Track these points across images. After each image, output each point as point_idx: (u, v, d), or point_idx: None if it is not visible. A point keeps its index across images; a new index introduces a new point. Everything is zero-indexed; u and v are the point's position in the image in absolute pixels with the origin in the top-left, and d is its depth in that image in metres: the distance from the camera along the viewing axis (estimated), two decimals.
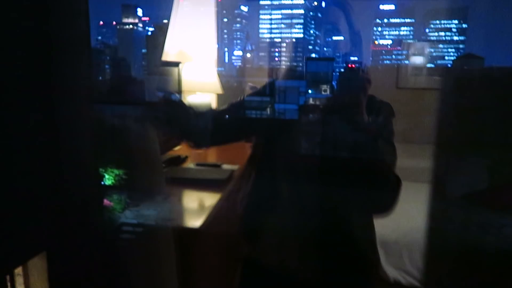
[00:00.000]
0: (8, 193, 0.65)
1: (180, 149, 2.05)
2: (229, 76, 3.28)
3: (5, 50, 0.62)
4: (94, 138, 0.86)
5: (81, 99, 0.83)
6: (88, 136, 0.87)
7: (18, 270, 0.76)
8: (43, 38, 0.70)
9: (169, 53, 2.37)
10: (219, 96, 2.45)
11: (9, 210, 0.61)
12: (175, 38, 2.55)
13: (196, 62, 2.37)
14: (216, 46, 2.73)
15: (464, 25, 5.87)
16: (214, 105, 2.42)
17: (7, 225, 0.59)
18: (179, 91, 2.78)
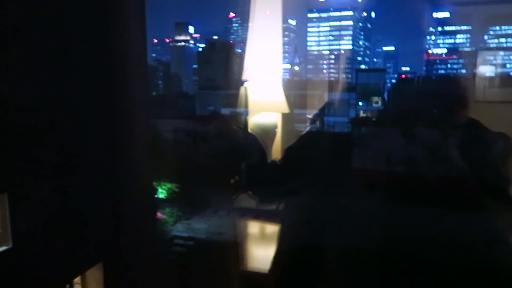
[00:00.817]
0: (68, 207, 0.69)
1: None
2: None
3: (74, 70, 0.68)
4: (149, 152, 0.91)
5: (138, 115, 0.88)
6: (144, 150, 0.93)
7: (77, 280, 0.81)
8: (105, 60, 0.76)
9: (245, 72, 2.51)
10: (284, 115, 2.50)
11: (69, 223, 0.65)
12: (249, 57, 2.70)
13: (263, 81, 2.46)
14: (282, 66, 2.82)
15: None
16: (279, 124, 2.48)
17: (67, 237, 0.63)
18: (245, 109, 2.86)
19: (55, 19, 2.37)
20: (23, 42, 2.32)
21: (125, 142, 2.36)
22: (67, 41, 2.35)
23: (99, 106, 2.30)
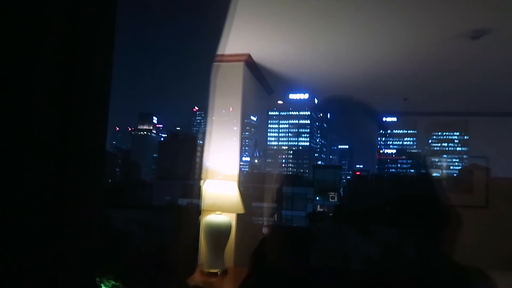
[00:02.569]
0: None
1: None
2: (239, 181, 3.25)
3: (30, 152, 0.62)
4: (97, 245, 0.82)
5: (90, 204, 0.80)
6: (91, 243, 0.83)
7: None
8: (62, 142, 0.70)
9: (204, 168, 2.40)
10: (238, 216, 2.36)
11: None
12: (208, 153, 2.61)
13: (219, 179, 2.37)
14: (239, 165, 2.71)
15: (466, 137, 5.84)
16: (233, 226, 2.33)
17: None
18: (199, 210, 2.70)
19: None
20: None
21: (71, 235, 2.17)
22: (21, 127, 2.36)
23: (47, 193, 2.21)
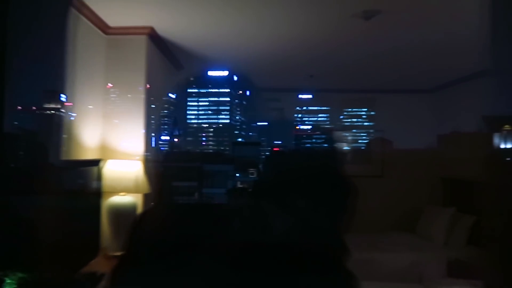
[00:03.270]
0: None
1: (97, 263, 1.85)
2: (156, 161, 3.19)
3: None
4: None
5: None
6: None
7: None
8: None
9: (89, 148, 2.24)
10: (147, 196, 2.30)
11: None
12: (99, 130, 2.43)
13: (121, 158, 2.26)
14: (144, 140, 2.60)
15: (373, 112, 6.75)
16: (139, 205, 2.27)
17: None
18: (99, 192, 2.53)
19: None
20: None
21: None
22: None
23: None
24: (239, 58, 4.01)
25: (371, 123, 7.05)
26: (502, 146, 3.21)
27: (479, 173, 3.20)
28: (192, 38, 3.22)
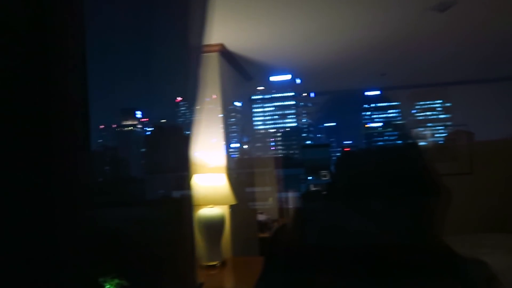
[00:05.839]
0: None
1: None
2: (229, 169, 3.31)
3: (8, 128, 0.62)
4: (94, 245, 0.83)
5: (80, 204, 0.81)
6: (88, 244, 0.85)
7: None
8: (43, 143, 0.70)
9: (171, 162, 2.45)
10: (231, 206, 2.40)
11: None
12: (177, 143, 2.64)
13: (208, 172, 2.41)
14: (227, 155, 2.71)
15: (448, 104, 6.42)
16: (227, 217, 2.38)
17: None
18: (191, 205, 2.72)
19: None
20: None
21: (65, 235, 2.09)
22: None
23: (35, 193, 2.13)
24: (305, 62, 4.02)
25: (447, 115, 6.57)
26: None
27: None
28: (257, 49, 3.30)
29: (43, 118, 0.88)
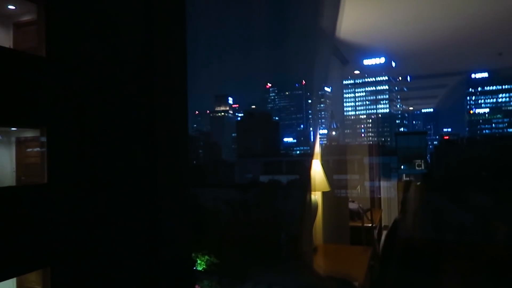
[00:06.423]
0: (110, 279, 1.31)
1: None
2: (322, 155, 2.82)
3: (117, 141, 1.63)
4: (189, 221, 1.86)
5: (179, 184, 1.97)
6: (183, 219, 1.86)
7: None
8: (149, 131, 1.68)
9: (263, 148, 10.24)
10: (323, 193, 2.31)
11: None
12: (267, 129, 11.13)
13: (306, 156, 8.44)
14: (319, 141, 2.67)
15: None
16: (319, 203, 2.22)
17: None
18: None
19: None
20: None
21: (165, 211, 3.02)
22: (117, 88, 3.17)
23: (143, 173, 3.07)
24: (406, 44, 3.84)
25: None
26: None
27: None
28: (357, 31, 2.97)
29: (150, 114, 1.98)
